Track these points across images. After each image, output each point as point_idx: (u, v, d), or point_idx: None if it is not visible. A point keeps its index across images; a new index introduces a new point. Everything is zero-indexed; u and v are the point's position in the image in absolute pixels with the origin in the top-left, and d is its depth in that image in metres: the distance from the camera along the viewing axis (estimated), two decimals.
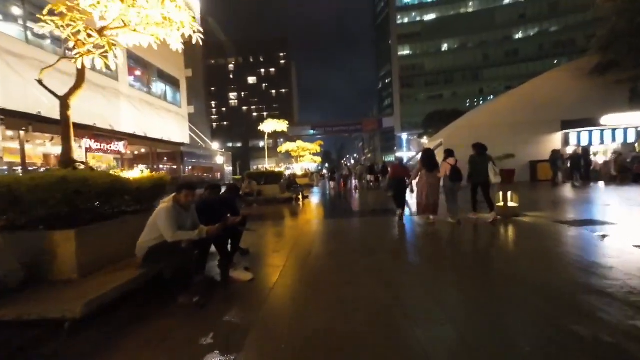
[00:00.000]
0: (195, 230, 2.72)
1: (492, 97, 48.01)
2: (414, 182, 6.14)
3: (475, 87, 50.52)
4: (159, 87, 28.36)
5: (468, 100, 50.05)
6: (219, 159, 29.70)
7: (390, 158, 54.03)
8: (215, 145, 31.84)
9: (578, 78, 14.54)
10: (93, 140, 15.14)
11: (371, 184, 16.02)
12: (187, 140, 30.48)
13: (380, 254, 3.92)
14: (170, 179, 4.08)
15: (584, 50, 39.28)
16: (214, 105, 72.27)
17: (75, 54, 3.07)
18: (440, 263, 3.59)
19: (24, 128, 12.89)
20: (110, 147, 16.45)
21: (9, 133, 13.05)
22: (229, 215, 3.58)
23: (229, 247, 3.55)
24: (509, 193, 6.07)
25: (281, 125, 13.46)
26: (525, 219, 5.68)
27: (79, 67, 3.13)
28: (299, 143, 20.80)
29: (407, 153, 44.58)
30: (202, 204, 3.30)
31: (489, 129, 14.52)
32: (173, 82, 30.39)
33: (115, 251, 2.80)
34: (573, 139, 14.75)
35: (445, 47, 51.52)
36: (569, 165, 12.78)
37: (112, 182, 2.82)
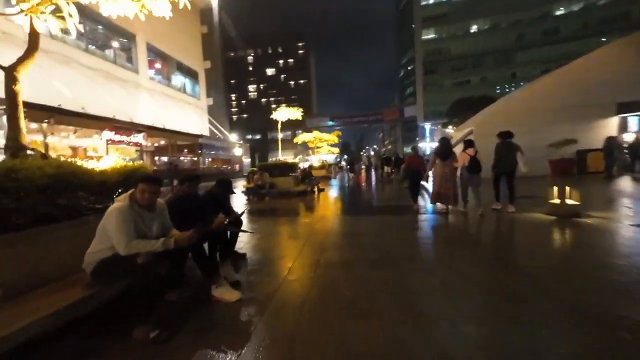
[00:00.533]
0: (160, 240, 2.03)
1: (524, 82, 44.14)
2: (430, 172, 6.06)
3: (507, 71, 46.63)
4: (178, 79, 28.49)
5: (499, 87, 46.42)
6: (237, 151, 29.64)
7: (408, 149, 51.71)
8: (233, 137, 31.78)
9: (638, 54, 12.39)
10: (114, 132, 15.25)
11: (390, 175, 15.07)
12: (206, 132, 30.64)
13: (404, 265, 3.07)
14: (161, 170, 3.46)
15: (637, 26, 34.77)
16: (233, 98, 72.93)
17: (22, 11, 2.42)
18: (491, 285, 2.68)
19: (46, 120, 13.09)
20: (130, 138, 16.57)
21: (33, 125, 13.31)
22: (218, 216, 2.88)
23: (218, 255, 2.87)
24: (567, 188, 4.91)
25: (295, 113, 12.63)
26: (590, 221, 4.53)
27: (28, 29, 2.50)
28: (316, 133, 19.93)
29: (430, 144, 42.29)
30: (177, 201, 2.62)
31: (529, 115, 12.86)
32: (192, 75, 30.44)
33: (62, 263, 2.18)
34: (632, 125, 12.70)
35: (474, 28, 47.74)
36: (627, 154, 10.96)
37: (61, 175, 2.19)
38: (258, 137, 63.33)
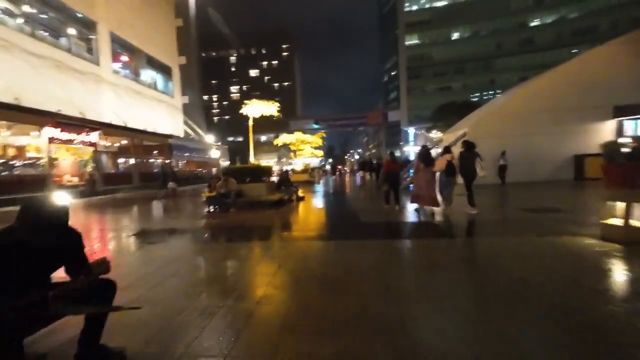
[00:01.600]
0: None
1: (502, 89, 44.80)
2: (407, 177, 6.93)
3: (486, 78, 47.23)
4: (148, 74, 25.92)
5: (478, 93, 46.87)
6: (215, 153, 27.40)
7: (396, 153, 51.25)
8: (210, 139, 29.45)
9: (637, 54, 11.73)
10: (59, 129, 12.83)
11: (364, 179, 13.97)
12: (180, 132, 28.13)
13: (418, 334, 1.47)
14: None
15: (606, 39, 35.94)
16: (215, 99, 70.07)
17: None
18: None
19: None
20: (81, 137, 14.16)
21: None
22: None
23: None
24: (635, 205, 3.49)
25: (270, 108, 10.89)
26: None
27: None
28: (298, 135, 18.27)
29: (414, 147, 41.50)
30: None
31: (525, 116, 11.85)
32: (165, 70, 27.93)
33: None
34: (629, 129, 12.00)
35: (455, 35, 48.14)
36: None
37: None
38: (240, 139, 60.73)
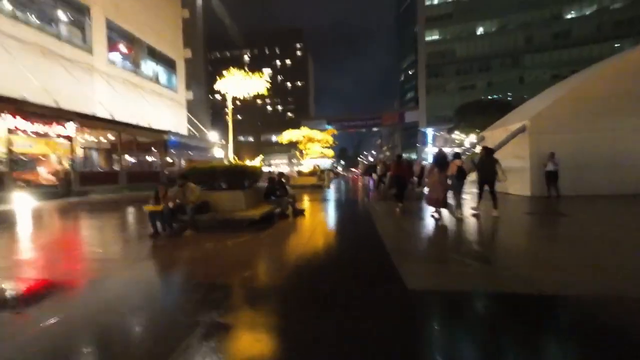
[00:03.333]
0: None
1: (532, 88, 40.36)
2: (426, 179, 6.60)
3: (514, 75, 42.88)
4: (149, 67, 23.98)
5: (505, 92, 42.55)
6: (218, 152, 25.10)
7: (413, 155, 47.64)
8: (214, 137, 27.22)
9: None
10: (19, 117, 10.65)
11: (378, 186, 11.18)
12: (183, 129, 26.08)
13: None
14: None
15: None
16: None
17: None
18: None
19: None
20: (52, 129, 12.02)
21: None
22: None
23: None
24: None
25: (256, 84, 7.93)
26: None
27: None
28: (305, 131, 15.49)
29: (434, 149, 37.83)
30: None
31: (610, 102, 8.51)
32: (168, 63, 25.92)
33: None
34: None
35: (480, 30, 44.07)
36: None
37: None
38: (251, 139, 58.87)
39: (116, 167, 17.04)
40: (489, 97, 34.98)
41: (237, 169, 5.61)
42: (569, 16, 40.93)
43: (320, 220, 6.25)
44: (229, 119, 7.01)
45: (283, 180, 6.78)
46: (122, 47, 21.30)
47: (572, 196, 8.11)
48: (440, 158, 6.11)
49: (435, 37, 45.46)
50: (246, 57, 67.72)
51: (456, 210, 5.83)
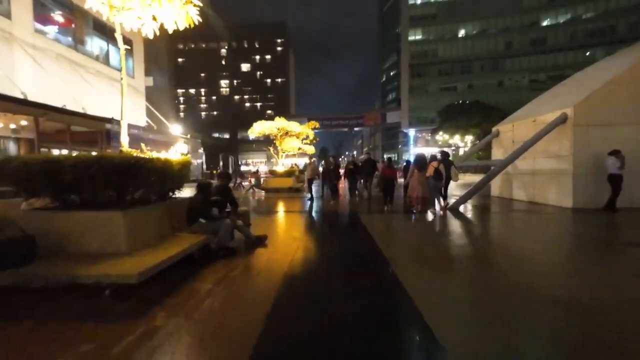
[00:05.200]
0: None
1: (511, 92, 40.25)
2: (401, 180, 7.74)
3: (494, 79, 42.65)
4: (96, 44, 19.87)
5: (485, 94, 42.08)
6: (182, 147, 21.39)
7: (392, 156, 46.11)
8: (177, 130, 23.39)
9: None
10: None
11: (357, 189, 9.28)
12: (140, 120, 22.09)
13: None
14: None
15: (623, 40, 31.18)
16: (203, 93, 63.86)
17: None
18: None
19: None
20: None
21: None
22: None
23: None
24: None
25: (175, 12, 4.99)
26: None
27: None
28: (280, 122, 12.51)
29: (416, 150, 36.30)
30: None
31: None
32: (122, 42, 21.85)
33: None
34: None
35: (462, 32, 43.41)
36: None
37: None
38: (226, 136, 54.67)
39: None
40: (472, 100, 33.98)
41: (120, 164, 2.65)
42: (544, 23, 41.25)
43: (295, 259, 3.43)
44: (122, 71, 3.98)
45: (225, 187, 3.87)
46: (58, 17, 17.11)
47: (627, 208, 5.98)
48: (420, 160, 6.67)
49: (419, 36, 44.23)
50: (223, 51, 63.18)
51: (439, 203, 6.60)
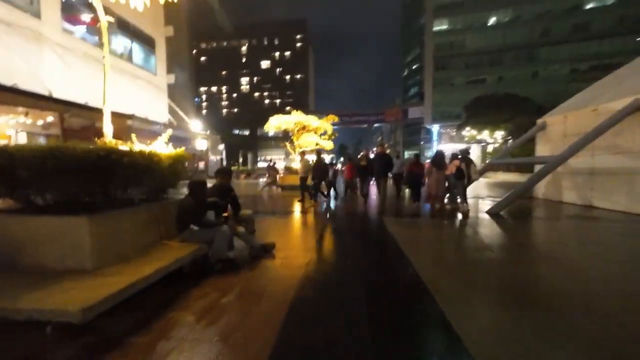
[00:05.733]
0: None
1: (547, 84, 36.77)
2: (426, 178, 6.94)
3: (528, 70, 39.25)
4: (120, 42, 20.34)
5: (518, 87, 38.88)
6: (201, 144, 21.52)
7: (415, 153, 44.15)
8: (197, 126, 23.61)
9: None
10: None
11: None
12: (163, 117, 22.52)
13: None
14: None
15: None
16: (224, 91, 65.00)
17: None
18: None
19: None
20: None
21: None
22: None
23: None
24: None
25: None
26: None
27: None
28: (298, 116, 11.82)
29: (446, 147, 34.46)
30: None
31: None
32: (145, 41, 22.19)
33: None
34: None
35: (493, 20, 40.30)
36: None
37: None
38: (247, 133, 55.21)
39: None
40: (504, 92, 31.34)
41: (85, 157, 2.10)
42: (588, 6, 37.19)
43: (307, 277, 2.76)
44: (105, 52, 3.50)
45: (225, 186, 3.26)
46: (85, 17, 17.60)
47: None
48: (438, 158, 6.49)
49: (444, 27, 41.66)
50: (244, 49, 63.72)
51: (462, 205, 6.23)
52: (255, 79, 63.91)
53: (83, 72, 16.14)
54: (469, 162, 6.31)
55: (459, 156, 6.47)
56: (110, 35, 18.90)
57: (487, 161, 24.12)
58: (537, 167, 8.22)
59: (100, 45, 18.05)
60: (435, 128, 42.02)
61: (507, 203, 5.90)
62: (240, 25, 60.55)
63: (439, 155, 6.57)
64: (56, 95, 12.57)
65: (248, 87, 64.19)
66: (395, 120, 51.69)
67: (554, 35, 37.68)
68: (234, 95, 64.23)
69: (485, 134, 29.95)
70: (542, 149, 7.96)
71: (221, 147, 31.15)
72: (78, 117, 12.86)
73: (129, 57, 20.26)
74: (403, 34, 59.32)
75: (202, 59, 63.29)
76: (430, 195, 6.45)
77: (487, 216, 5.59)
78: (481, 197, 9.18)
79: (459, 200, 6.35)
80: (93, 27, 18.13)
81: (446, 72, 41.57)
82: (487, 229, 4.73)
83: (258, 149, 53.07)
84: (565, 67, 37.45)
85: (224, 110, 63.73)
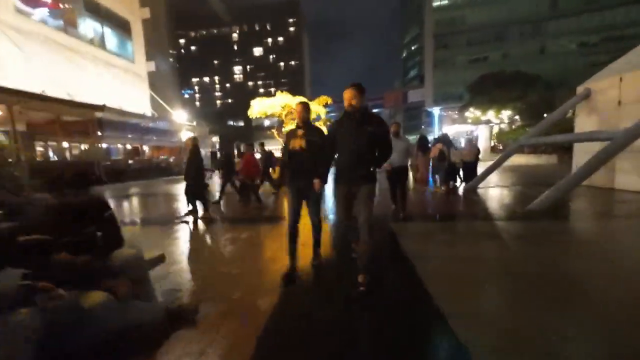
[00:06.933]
0: None
1: (555, 60, 34.35)
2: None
3: (535, 45, 36.71)
4: (89, 26, 18.29)
5: (523, 64, 36.46)
6: (187, 136, 19.86)
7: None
8: (181, 117, 21.82)
9: None
10: None
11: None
12: (145, 109, 20.71)
13: None
14: None
15: None
16: (217, 81, 62.43)
17: None
18: None
19: None
20: None
21: None
22: None
23: None
24: None
25: None
26: None
27: None
28: (283, 97, 10.09)
29: (451, 129, 32.48)
30: None
31: None
32: (119, 24, 20.12)
33: None
34: None
35: None
36: None
37: None
38: (241, 124, 53.19)
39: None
40: (513, 70, 29.13)
41: None
42: None
43: None
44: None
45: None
46: None
47: None
48: (422, 143, 7.31)
49: (445, 1, 38.83)
50: (235, 35, 60.64)
51: (441, 186, 6.72)
52: (248, 67, 61.23)
53: (48, 60, 14.36)
54: (449, 145, 6.85)
55: (440, 140, 7.09)
56: (78, 18, 16.76)
57: (512, 142, 22.36)
58: (577, 147, 6.60)
59: (64, 30, 15.81)
60: (436, 111, 39.96)
61: (558, 195, 4.32)
62: (229, 9, 57.34)
63: (423, 140, 7.45)
64: (7, 84, 10.84)
65: (241, 76, 61.62)
66: (394, 104, 49.51)
67: (563, 7, 34.93)
68: (227, 85, 61.73)
69: (490, 115, 28.02)
70: (586, 123, 6.28)
71: (215, 139, 29.37)
72: (33, 109, 11.17)
73: (100, 43, 18.31)
74: (402, 14, 56.07)
75: (192, 48, 60.43)
76: (416, 178, 7.21)
77: (528, 216, 4.06)
78: (499, 185, 7.69)
79: (438, 180, 6.86)
80: (58, 10, 16.09)
81: (447, 51, 39.08)
82: (548, 240, 3.20)
83: (254, 140, 51.29)
84: (573, 41, 34.94)
85: (218, 102, 61.44)
